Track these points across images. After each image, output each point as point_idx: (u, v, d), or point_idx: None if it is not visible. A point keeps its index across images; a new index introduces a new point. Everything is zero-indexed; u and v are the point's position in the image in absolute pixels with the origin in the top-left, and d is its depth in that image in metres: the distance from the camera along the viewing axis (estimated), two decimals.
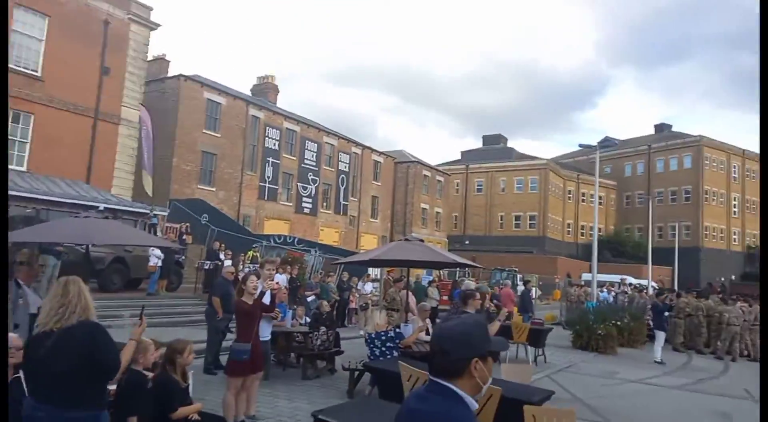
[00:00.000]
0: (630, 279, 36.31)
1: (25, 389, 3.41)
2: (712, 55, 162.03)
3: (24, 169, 17.93)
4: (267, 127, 33.47)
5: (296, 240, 24.56)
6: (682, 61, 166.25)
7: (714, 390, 10.28)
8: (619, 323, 14.63)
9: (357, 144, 41.40)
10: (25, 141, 18.34)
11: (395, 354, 7.07)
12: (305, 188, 36.29)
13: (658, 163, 57.23)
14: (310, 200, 36.59)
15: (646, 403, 8.87)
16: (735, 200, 56.40)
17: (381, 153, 43.97)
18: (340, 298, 15.48)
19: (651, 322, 15.90)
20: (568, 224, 57.24)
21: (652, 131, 65.89)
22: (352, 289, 16.43)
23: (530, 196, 53.42)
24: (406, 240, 8.30)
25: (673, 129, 64.43)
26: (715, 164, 55.38)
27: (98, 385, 3.39)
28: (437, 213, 48.14)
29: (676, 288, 37.03)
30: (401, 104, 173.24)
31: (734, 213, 56.09)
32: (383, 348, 7.03)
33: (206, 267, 15.98)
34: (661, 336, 13.57)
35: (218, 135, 30.19)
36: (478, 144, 79.99)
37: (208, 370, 8.47)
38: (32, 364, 3.33)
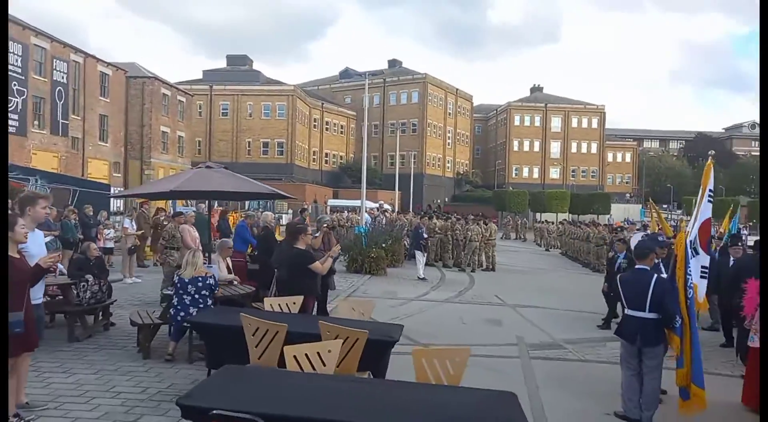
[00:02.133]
0: (371, 204, 39.53)
1: None
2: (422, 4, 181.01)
3: None
4: None
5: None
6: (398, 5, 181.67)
7: (474, 300, 11.79)
8: (384, 246, 15.61)
9: (77, 50, 34.44)
10: None
11: (209, 303, 6.01)
12: (9, 101, 28.91)
13: (392, 96, 62.21)
14: (15, 117, 29.43)
15: (430, 318, 9.64)
16: (449, 133, 65.33)
17: (109, 64, 37.56)
18: (84, 238, 12.84)
19: (408, 243, 17.51)
20: (314, 152, 58.83)
21: (386, 66, 70.85)
22: (99, 226, 13.82)
23: (278, 122, 52.84)
24: (208, 167, 7.00)
25: (404, 65, 70.36)
26: (435, 100, 62.74)
27: None
28: (180, 137, 44.11)
29: (401, 209, 41.83)
30: (117, 9, 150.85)
31: (448, 144, 65.12)
32: (196, 297, 5.89)
33: None
34: (420, 255, 14.97)
35: None
36: (217, 64, 75.22)
37: None
38: None
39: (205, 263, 6.92)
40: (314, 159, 59.09)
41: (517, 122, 68.87)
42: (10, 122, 28.94)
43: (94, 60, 35.97)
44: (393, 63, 70.23)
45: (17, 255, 4.29)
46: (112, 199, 23.07)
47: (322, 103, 60.37)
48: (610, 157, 73.40)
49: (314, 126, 58.94)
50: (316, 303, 6.60)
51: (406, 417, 2.91)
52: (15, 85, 29.39)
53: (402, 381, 3.86)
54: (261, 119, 53.17)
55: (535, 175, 68.78)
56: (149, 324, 6.33)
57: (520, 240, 38.37)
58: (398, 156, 46.73)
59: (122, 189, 30.36)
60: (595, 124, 70.33)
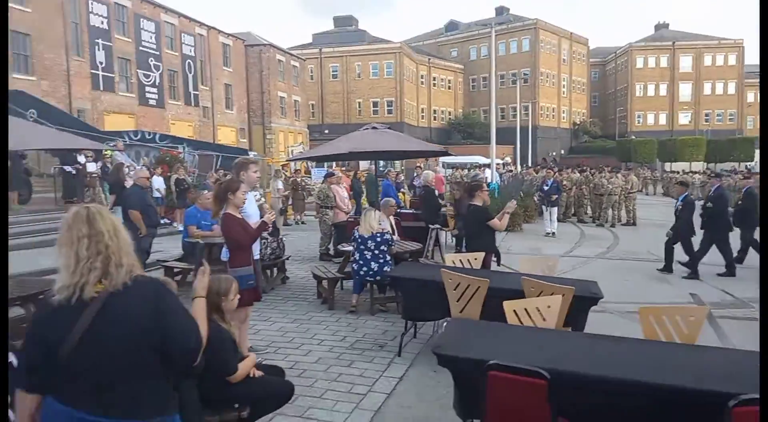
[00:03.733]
0: (482, 160, 38.68)
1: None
2: None
3: None
4: (91, 1, 27.56)
5: (157, 135, 21.49)
6: None
7: (627, 256, 11.20)
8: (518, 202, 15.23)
9: (201, 24, 36.42)
10: None
11: (388, 258, 6.21)
12: (147, 76, 31.47)
13: (501, 46, 59.58)
14: (155, 90, 32.00)
15: (587, 276, 9.29)
16: (564, 81, 61.67)
17: (229, 35, 39.40)
18: None
19: (537, 198, 16.95)
20: (422, 109, 58.40)
21: (492, 14, 67.79)
22: None
23: (386, 81, 52.85)
24: (374, 128, 7.12)
25: (512, 12, 66.84)
26: (548, 47, 59.20)
27: (168, 380, 2.10)
28: (295, 101, 45.66)
29: (521, 164, 40.46)
30: None
31: (563, 93, 61.60)
32: (375, 252, 6.12)
33: (68, 170, 13.08)
34: (554, 211, 14.43)
35: (28, 9, 24.11)
36: (325, 27, 76.26)
37: None
38: (54, 358, 1.92)
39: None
40: (422, 116, 58.68)
41: (639, 64, 63.16)
42: (150, 95, 31.61)
43: (216, 32, 37.91)
44: (500, 10, 66.88)
45: (239, 216, 4.66)
46: None
47: (429, 59, 59.33)
48: (750, 97, 65.41)
49: (421, 82, 58.26)
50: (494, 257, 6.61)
51: (706, 377, 2.75)
52: (152, 60, 31.83)
53: (648, 340, 3.66)
54: (369, 79, 53.45)
55: (662, 122, 63.18)
56: (333, 277, 6.70)
57: (649, 193, 35.82)
58: (519, 107, 44.90)
59: (256, 153, 31.99)
60: (732, 60, 62.75)
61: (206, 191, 9.18)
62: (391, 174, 13.09)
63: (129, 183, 11.37)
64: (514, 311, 3.87)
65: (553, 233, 13.77)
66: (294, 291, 7.55)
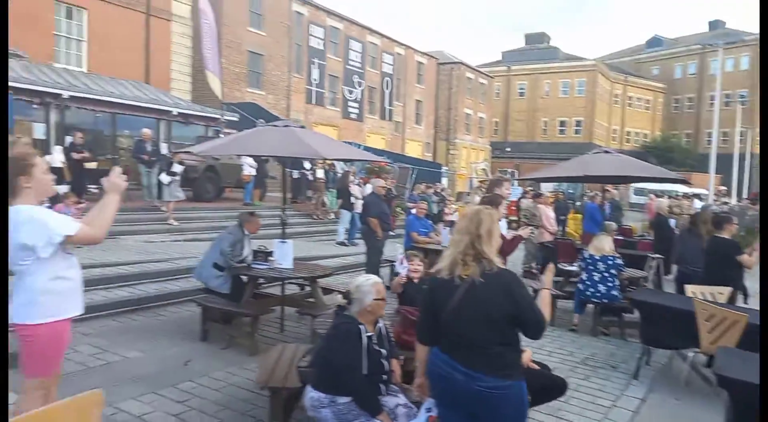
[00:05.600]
0: (683, 188, 35.07)
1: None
2: None
3: (84, 69, 16.62)
4: (310, 25, 31.14)
5: (362, 147, 23.46)
6: None
7: None
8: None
9: (400, 44, 38.85)
10: (81, 39, 16.86)
11: (617, 283, 6.22)
12: (351, 92, 34.49)
13: (712, 64, 53.68)
14: (356, 105, 34.93)
15: None
16: None
17: (424, 53, 41.40)
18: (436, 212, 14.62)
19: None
20: (614, 129, 55.03)
21: (706, 29, 61.38)
22: (445, 200, 15.56)
23: (576, 100, 50.89)
24: (606, 152, 7.16)
25: (727, 26, 59.88)
26: None
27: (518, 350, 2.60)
28: (480, 118, 46.22)
29: (737, 195, 35.82)
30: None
31: None
32: (605, 275, 6.18)
33: (294, 176, 15.11)
34: None
35: (263, 33, 28.12)
36: (515, 44, 75.86)
37: None
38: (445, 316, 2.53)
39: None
40: (614, 137, 55.22)
41: None
42: (351, 110, 34.59)
43: (412, 51, 40.13)
44: (715, 24, 60.46)
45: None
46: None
47: (626, 77, 55.74)
48: None
49: (615, 102, 54.95)
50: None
51: None
52: (356, 78, 34.81)
53: None
54: (558, 97, 51.92)
55: None
56: (554, 294, 6.87)
57: None
58: (723, 133, 40.09)
59: (447, 168, 32.86)
60: None
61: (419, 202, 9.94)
62: (596, 199, 12.75)
63: (354, 189, 12.77)
64: None
65: None
66: None
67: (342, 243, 12.49)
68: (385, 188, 8.71)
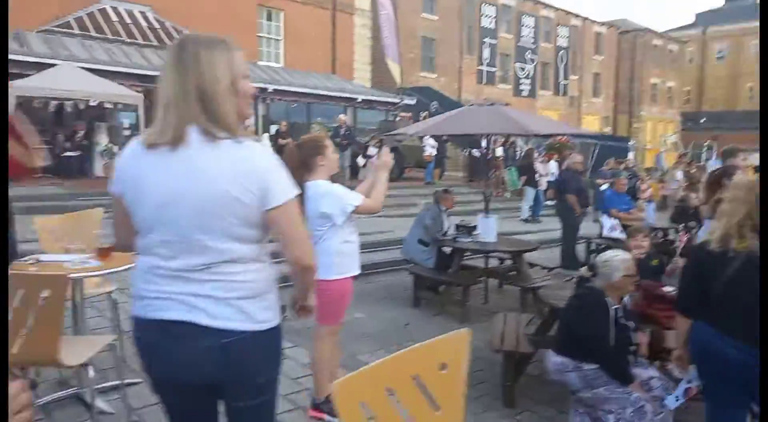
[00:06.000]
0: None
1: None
2: None
3: (281, 65, 18.46)
4: (482, 4, 30.70)
5: (489, 105, 22.71)
6: None
7: None
8: None
9: (576, 15, 36.54)
10: (278, 38, 18.72)
11: None
12: (523, 69, 33.43)
13: None
14: (528, 81, 33.80)
15: None
16: None
17: (603, 23, 38.42)
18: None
19: None
20: None
21: None
22: (637, 175, 14.42)
23: None
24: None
25: None
26: None
27: None
28: (669, 87, 41.66)
29: None
30: None
31: None
32: None
33: (474, 153, 15.24)
34: None
35: (435, 18, 28.46)
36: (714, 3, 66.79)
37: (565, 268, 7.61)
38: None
39: None
40: None
41: None
42: (523, 87, 33.54)
43: (590, 22, 37.50)
44: None
45: None
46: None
47: None
48: None
49: None
50: None
51: None
52: (528, 54, 33.62)
53: None
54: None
55: None
56: None
57: None
58: None
59: (635, 141, 30.31)
60: None
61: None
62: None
63: (538, 166, 12.50)
64: None
65: None
66: None
67: (526, 220, 12.35)
68: (582, 164, 8.36)
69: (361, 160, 11.63)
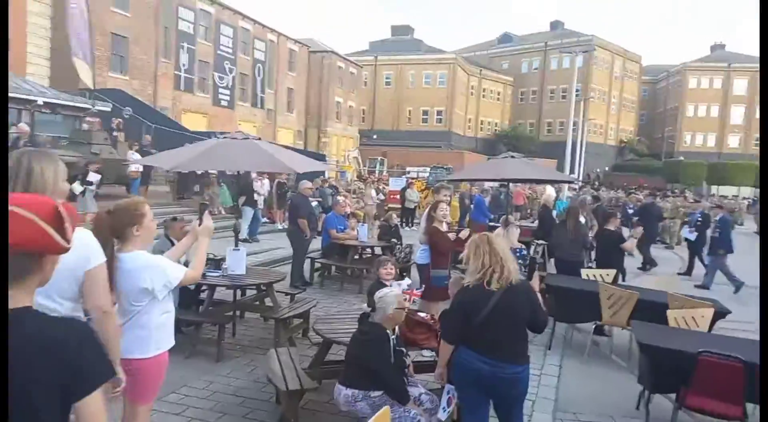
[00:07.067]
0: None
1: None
2: None
3: None
4: (180, 7, 29.55)
5: (243, 138, 22.99)
6: None
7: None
8: None
9: (272, 30, 38.26)
10: None
11: (524, 271, 7.37)
12: (222, 78, 33.39)
13: (553, 61, 60.11)
14: (227, 92, 33.90)
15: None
16: (614, 98, 61.76)
17: (296, 41, 41.18)
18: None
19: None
20: (470, 119, 59.36)
21: (547, 28, 68.29)
22: (338, 193, 16.17)
23: (438, 91, 54.01)
24: (512, 157, 8.27)
25: (566, 27, 67.20)
26: (601, 64, 59.38)
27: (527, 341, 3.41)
28: (350, 106, 47.21)
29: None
30: None
31: (612, 110, 61.68)
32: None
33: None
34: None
35: (128, 15, 26.16)
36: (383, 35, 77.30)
37: (296, 288, 8.23)
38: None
39: None
40: (469, 126, 59.62)
41: (693, 85, 62.72)
42: (222, 97, 33.49)
43: (284, 38, 39.70)
44: (555, 25, 67.51)
45: (443, 228, 5.91)
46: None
47: (480, 70, 60.24)
48: None
49: (471, 93, 59.25)
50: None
51: None
52: (227, 64, 33.72)
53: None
54: (422, 88, 54.70)
55: (710, 143, 62.67)
56: None
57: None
58: (570, 122, 45.39)
59: (332, 157, 32.78)
60: None
61: (340, 198, 10.48)
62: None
63: (257, 185, 12.83)
64: (675, 318, 5.01)
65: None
66: None
67: (245, 240, 12.55)
68: (311, 189, 9.08)
69: (78, 187, 9.67)
